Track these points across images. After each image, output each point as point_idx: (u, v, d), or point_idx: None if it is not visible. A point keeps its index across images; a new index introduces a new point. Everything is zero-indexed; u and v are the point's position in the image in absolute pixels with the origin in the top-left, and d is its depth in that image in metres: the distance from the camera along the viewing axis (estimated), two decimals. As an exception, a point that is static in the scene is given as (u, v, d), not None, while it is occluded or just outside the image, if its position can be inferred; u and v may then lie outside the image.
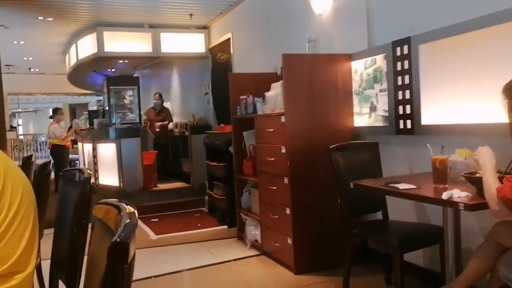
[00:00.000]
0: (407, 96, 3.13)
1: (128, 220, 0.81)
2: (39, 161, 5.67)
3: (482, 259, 2.09)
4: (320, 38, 4.21)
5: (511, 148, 1.83)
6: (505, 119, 1.86)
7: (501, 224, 2.06)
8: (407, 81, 3.13)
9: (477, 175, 1.97)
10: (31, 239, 1.53)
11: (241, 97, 4.37)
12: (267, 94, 3.96)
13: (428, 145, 2.31)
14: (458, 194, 1.93)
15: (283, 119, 3.51)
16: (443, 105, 2.88)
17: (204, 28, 7.42)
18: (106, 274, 0.71)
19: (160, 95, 8.33)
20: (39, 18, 6.51)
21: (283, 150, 3.53)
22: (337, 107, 3.67)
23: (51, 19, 6.62)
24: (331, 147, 2.94)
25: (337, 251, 3.30)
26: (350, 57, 3.70)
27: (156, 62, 8.58)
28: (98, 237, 1.01)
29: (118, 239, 0.71)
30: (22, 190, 1.51)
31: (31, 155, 3.76)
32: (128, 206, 0.91)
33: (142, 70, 9.94)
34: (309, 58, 3.79)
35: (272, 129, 3.74)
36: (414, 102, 3.08)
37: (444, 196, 1.95)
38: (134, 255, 0.79)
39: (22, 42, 8.26)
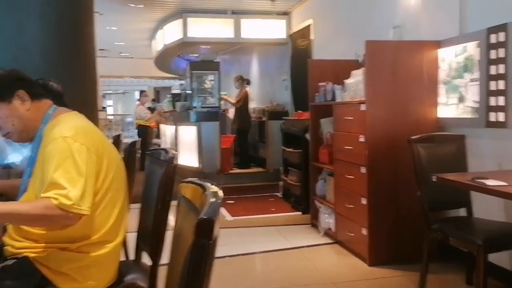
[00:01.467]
0: (501, 87, 2.90)
1: (213, 199, 0.85)
2: (127, 140, 6.08)
3: None
4: (406, 24, 4.03)
5: None
6: None
7: None
8: (502, 70, 2.89)
9: None
10: (121, 211, 1.67)
11: (320, 84, 4.33)
12: (347, 81, 3.88)
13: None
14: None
15: (363, 107, 3.43)
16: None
17: (285, 14, 7.41)
18: (192, 248, 0.76)
19: (237, 78, 8.26)
20: (130, 5, 6.91)
21: (362, 139, 3.46)
22: (421, 96, 3.51)
23: (141, 6, 7.00)
24: (412, 138, 2.82)
25: (414, 245, 3.19)
26: (438, 44, 3.50)
27: (236, 47, 8.74)
28: (183, 214, 1.08)
29: (204, 216, 0.76)
30: (116, 166, 1.65)
31: (119, 135, 4.05)
32: (213, 186, 0.96)
33: (223, 56, 10.19)
34: (393, 45, 3.65)
35: (351, 117, 3.67)
36: (509, 93, 2.85)
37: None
38: (218, 233, 0.83)
39: (114, 28, 8.83)
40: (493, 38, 2.95)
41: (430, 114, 3.52)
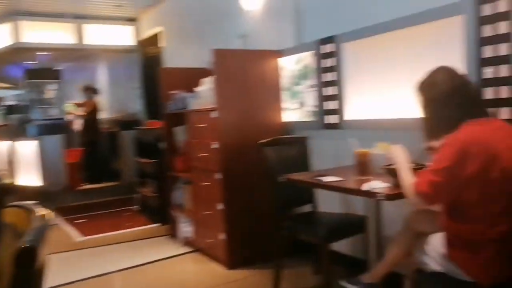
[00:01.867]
0: (334, 92, 3.24)
1: (39, 224, 0.76)
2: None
3: (400, 245, 2.23)
4: (251, 34, 4.23)
5: (424, 141, 1.96)
6: (419, 114, 1.98)
7: (415, 212, 2.20)
8: (333, 77, 3.24)
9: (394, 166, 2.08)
10: None
11: (172, 92, 4.29)
12: (197, 89, 3.91)
13: (349, 139, 2.41)
14: (378, 185, 2.03)
15: (214, 114, 3.50)
16: (366, 100, 3.03)
17: (133, 20, 7.17)
18: (12, 281, 0.66)
19: (84, 88, 7.67)
20: None
21: (215, 146, 3.52)
22: (267, 102, 3.72)
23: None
24: (261, 142, 2.97)
25: (270, 245, 3.35)
26: (279, 53, 3.76)
27: (82, 54, 8.16)
28: (7, 243, 0.94)
29: (25, 245, 0.66)
30: None
31: None
32: (41, 209, 0.86)
33: (67, 63, 9.41)
34: (239, 53, 3.80)
35: (203, 125, 3.71)
36: (340, 98, 3.20)
37: (364, 187, 2.05)
38: (46, 260, 0.74)
39: None
40: (324, 49, 3.29)
41: (277, 119, 3.75)
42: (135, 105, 7.35)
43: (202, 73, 4.20)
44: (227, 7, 4.60)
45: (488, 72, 2.26)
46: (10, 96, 10.70)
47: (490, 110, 2.03)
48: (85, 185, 7.09)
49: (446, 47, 2.47)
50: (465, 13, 2.34)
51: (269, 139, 3.04)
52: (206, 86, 3.80)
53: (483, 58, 2.28)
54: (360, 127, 3.05)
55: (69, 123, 7.76)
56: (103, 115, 8.34)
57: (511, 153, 1.68)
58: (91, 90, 7.42)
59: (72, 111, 8.05)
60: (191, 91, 4.04)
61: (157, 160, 4.91)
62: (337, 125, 3.24)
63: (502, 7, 2.17)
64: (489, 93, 2.26)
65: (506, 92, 2.20)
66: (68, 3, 6.27)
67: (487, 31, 2.24)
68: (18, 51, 6.83)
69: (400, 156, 1.99)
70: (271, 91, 3.74)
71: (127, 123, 6.94)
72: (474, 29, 2.31)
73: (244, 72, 3.60)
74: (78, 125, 7.69)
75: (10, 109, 8.72)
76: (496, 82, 2.23)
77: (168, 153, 4.48)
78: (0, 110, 9.06)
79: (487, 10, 2.23)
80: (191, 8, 5.52)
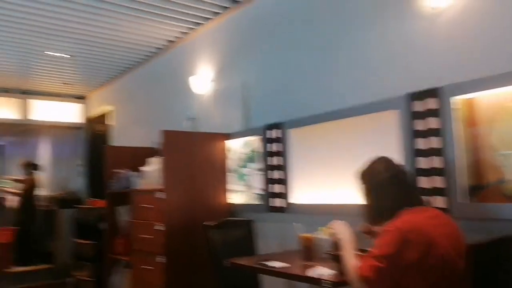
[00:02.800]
0: (280, 176, 3.32)
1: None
2: None
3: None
4: (200, 117, 4.34)
5: (359, 225, 2.03)
6: (361, 201, 2.05)
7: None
8: (279, 162, 3.33)
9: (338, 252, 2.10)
10: None
11: (117, 170, 4.21)
12: (144, 168, 3.87)
13: (294, 223, 2.43)
14: (323, 271, 2.03)
15: (161, 195, 3.44)
16: (311, 185, 3.12)
17: (82, 98, 7.16)
18: None
19: (24, 164, 7.29)
20: None
21: (160, 227, 3.42)
22: (214, 184, 3.73)
23: None
24: (206, 224, 2.92)
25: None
26: (227, 136, 3.85)
27: (26, 129, 7.92)
28: None
29: None
30: None
31: None
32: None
33: (9, 137, 9.07)
34: (187, 135, 3.86)
35: (148, 205, 3.62)
36: (286, 182, 3.27)
37: (310, 273, 2.04)
38: None
39: None
40: (270, 134, 3.41)
41: (223, 201, 3.75)
42: (77, 183, 7.10)
43: (149, 152, 4.19)
44: (177, 89, 4.73)
45: (422, 162, 2.42)
46: None
47: (424, 198, 2.15)
48: (15, 267, 6.51)
49: (385, 137, 2.65)
50: (399, 108, 2.55)
51: (214, 221, 3.00)
52: (152, 166, 3.77)
53: (416, 149, 2.45)
54: (305, 212, 3.10)
55: (3, 199, 7.28)
56: (42, 192, 7.94)
57: (446, 241, 1.76)
58: (31, 166, 7.11)
59: (8, 188, 7.60)
60: (137, 170, 3.99)
61: (96, 242, 4.66)
62: (283, 208, 3.28)
63: (431, 104, 2.40)
64: (423, 182, 2.40)
65: (439, 182, 2.35)
66: (15, 78, 6.20)
67: (419, 125, 2.44)
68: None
69: (344, 233, 2.03)
70: (218, 173, 3.77)
71: (67, 201, 6.63)
72: (407, 122, 2.51)
73: (192, 153, 3.63)
74: (13, 202, 7.23)
75: None
76: (429, 172, 2.39)
77: (109, 234, 4.28)
78: None
79: (418, 106, 2.45)
80: (141, 88, 5.63)
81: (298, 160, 3.24)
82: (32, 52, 5.11)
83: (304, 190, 3.18)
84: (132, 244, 3.84)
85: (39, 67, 5.73)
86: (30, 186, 6.91)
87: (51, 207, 6.98)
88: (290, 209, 3.23)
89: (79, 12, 4.04)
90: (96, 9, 3.97)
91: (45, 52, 5.05)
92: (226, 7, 3.99)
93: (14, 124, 7.00)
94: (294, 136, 3.27)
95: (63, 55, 5.20)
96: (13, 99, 6.69)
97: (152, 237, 3.52)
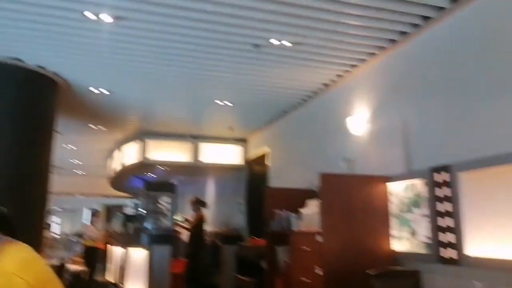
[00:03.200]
0: (450, 224, 3.02)
1: None
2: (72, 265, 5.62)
3: None
4: (356, 158, 4.27)
5: None
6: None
7: None
8: (449, 208, 3.04)
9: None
10: None
11: (276, 211, 4.36)
12: (302, 210, 3.93)
13: (474, 282, 2.17)
14: None
15: (319, 238, 3.44)
16: (493, 237, 2.73)
17: (242, 140, 7.72)
18: None
19: (193, 201, 8.00)
20: (91, 126, 7.00)
21: (319, 271, 3.40)
22: (374, 229, 3.58)
23: (102, 127, 7.10)
24: (370, 273, 2.81)
25: None
26: (387, 179, 3.69)
27: (195, 170, 8.83)
28: None
29: None
30: None
31: (63, 264, 3.76)
32: None
33: (179, 176, 10.21)
34: (346, 178, 3.81)
35: (307, 247, 3.64)
36: (458, 230, 2.96)
37: None
38: None
39: (72, 147, 8.79)
40: (437, 177, 3.15)
41: (385, 247, 3.56)
42: (239, 220, 7.54)
43: (307, 194, 4.26)
44: (333, 131, 4.76)
45: None
46: (130, 203, 11.73)
47: None
48: (185, 297, 7.13)
49: None
50: None
51: (378, 270, 2.86)
52: (311, 208, 3.81)
53: None
54: (487, 267, 2.70)
55: (177, 234, 8.13)
56: (208, 227, 8.66)
57: None
58: (199, 203, 7.83)
59: (181, 223, 8.49)
60: (295, 211, 4.07)
61: (256, 279, 4.83)
62: (456, 261, 2.94)
63: None
64: None
65: None
66: (187, 125, 7.02)
67: None
68: (143, 166, 7.63)
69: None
70: (379, 218, 3.61)
71: (230, 238, 7.07)
72: None
73: (351, 197, 3.57)
74: (184, 236, 8.02)
75: (128, 218, 9.50)
76: None
77: (269, 272, 4.41)
78: (120, 218, 9.91)
79: None
80: (297, 130, 5.81)
81: (473, 207, 2.89)
82: (202, 101, 5.74)
83: (483, 241, 2.81)
84: (291, 285, 3.88)
85: (207, 114, 6.39)
86: (199, 221, 7.59)
87: (216, 242, 7.53)
88: (466, 262, 2.87)
89: (239, 64, 4.43)
90: (255, 60, 4.30)
91: (215, 101, 5.62)
92: (382, 47, 3.94)
93: (185, 165, 7.87)
94: (467, 179, 2.95)
95: (227, 103, 5.72)
96: (185, 143, 7.56)
97: (310, 281, 3.51)
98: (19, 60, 4.35)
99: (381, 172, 3.76)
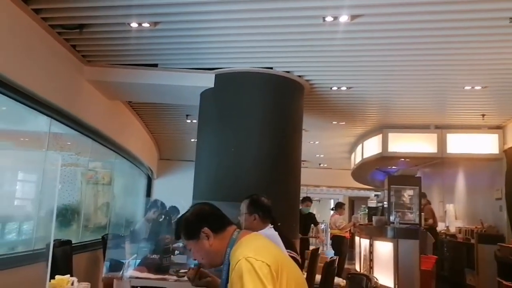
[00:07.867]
0: None
1: None
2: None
3: None
4: None
5: None
6: None
7: None
8: None
9: None
10: None
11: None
12: None
13: None
14: None
15: None
16: None
17: (498, 128, 6.82)
18: None
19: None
20: (333, 122, 7.38)
21: None
22: None
23: (343, 123, 7.41)
24: None
25: None
26: None
27: (439, 162, 8.30)
28: None
29: None
30: (295, 280, 1.67)
31: (317, 248, 4.10)
32: None
33: (423, 169, 9.76)
34: None
35: None
36: None
37: None
38: None
39: (317, 142, 9.45)
40: None
41: None
42: (497, 217, 6.70)
43: None
44: None
45: None
46: (372, 196, 11.88)
47: None
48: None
49: None
50: None
51: None
52: None
53: None
54: None
55: (425, 229, 7.79)
56: (459, 224, 8.01)
57: None
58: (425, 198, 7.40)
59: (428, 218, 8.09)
60: None
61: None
62: None
63: None
64: None
65: None
66: (430, 115, 6.64)
67: None
68: (383, 159, 7.61)
69: None
70: None
71: (487, 237, 6.37)
72: None
73: None
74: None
75: (372, 210, 9.63)
76: None
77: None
78: (363, 209, 10.13)
79: None
80: None
81: None
82: (447, 89, 5.34)
83: None
84: None
85: (453, 102, 5.90)
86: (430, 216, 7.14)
87: (470, 240, 6.90)
88: None
89: (492, 43, 3.96)
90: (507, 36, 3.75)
91: (463, 87, 5.16)
92: None
93: (429, 157, 7.47)
94: None
95: (477, 87, 5.15)
96: (429, 134, 7.16)
97: None
98: (270, 68, 4.94)
99: None
